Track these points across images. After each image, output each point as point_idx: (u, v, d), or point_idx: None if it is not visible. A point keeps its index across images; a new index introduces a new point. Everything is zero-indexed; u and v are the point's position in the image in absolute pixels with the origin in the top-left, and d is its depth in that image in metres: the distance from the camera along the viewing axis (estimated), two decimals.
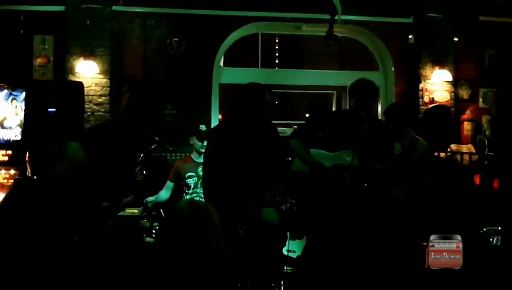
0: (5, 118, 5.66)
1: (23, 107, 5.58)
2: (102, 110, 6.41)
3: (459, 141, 7.05)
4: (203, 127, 5.33)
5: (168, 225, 1.76)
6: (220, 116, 7.18)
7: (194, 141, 5.25)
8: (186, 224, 1.71)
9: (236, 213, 3.90)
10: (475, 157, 6.20)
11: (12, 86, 5.75)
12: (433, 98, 7.22)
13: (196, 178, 5.17)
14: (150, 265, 1.74)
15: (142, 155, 3.73)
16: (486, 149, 6.81)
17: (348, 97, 4.40)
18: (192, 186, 5.18)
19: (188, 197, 5.15)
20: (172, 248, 1.68)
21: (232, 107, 4.16)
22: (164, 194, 5.24)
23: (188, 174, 5.21)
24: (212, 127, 6.30)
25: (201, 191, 4.69)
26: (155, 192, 5.22)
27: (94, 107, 6.43)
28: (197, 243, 1.68)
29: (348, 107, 4.50)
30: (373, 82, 4.33)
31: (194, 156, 5.29)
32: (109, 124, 3.27)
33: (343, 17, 6.48)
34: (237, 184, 3.95)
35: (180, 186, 5.27)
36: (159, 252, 1.72)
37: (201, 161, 4.57)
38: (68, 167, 3.15)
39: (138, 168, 3.69)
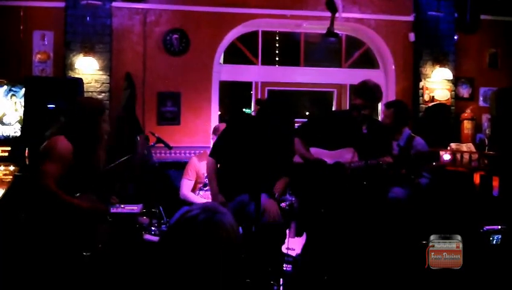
0: (4, 114, 5.64)
1: (23, 103, 5.57)
2: None
3: (459, 140, 7.04)
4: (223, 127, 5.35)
5: (177, 228, 1.70)
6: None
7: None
8: (198, 231, 1.66)
9: (237, 210, 3.92)
10: (475, 156, 6.18)
11: (12, 82, 5.73)
12: (433, 97, 7.21)
13: None
14: (152, 264, 1.71)
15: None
16: (486, 148, 6.80)
17: (352, 96, 4.40)
18: None
19: (201, 192, 5.19)
20: (179, 250, 1.64)
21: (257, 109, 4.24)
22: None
23: None
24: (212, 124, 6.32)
25: None
26: (156, 190, 5.22)
27: None
28: (209, 250, 1.64)
29: (348, 106, 4.51)
30: (378, 84, 4.33)
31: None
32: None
33: (344, 14, 6.47)
34: (241, 181, 3.99)
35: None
36: (162, 253, 1.68)
37: None
38: (58, 164, 3.11)
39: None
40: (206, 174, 5.20)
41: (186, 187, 5.29)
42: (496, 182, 5.57)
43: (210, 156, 4.33)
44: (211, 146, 4.71)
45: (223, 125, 5.39)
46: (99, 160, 3.46)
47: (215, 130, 5.46)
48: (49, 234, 3.02)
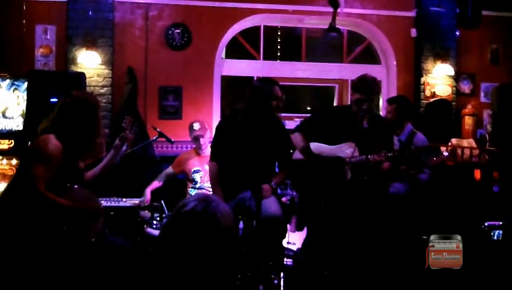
0: (6, 108, 5.66)
1: (25, 97, 5.58)
2: (104, 100, 6.40)
3: (459, 136, 7.06)
4: (196, 126, 5.30)
5: (178, 221, 1.72)
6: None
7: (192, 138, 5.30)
8: (198, 222, 1.67)
9: (238, 204, 3.94)
10: (476, 151, 6.19)
11: (15, 75, 5.75)
12: (434, 92, 7.22)
13: (203, 173, 5.17)
14: (153, 257, 1.73)
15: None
16: (487, 144, 6.82)
17: (350, 91, 4.41)
18: (199, 181, 5.17)
19: (193, 191, 5.13)
20: (183, 242, 1.66)
21: (244, 100, 4.20)
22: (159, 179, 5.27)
23: (195, 168, 5.21)
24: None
25: (209, 186, 4.71)
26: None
27: None
28: (208, 242, 1.66)
29: (349, 102, 4.52)
30: (375, 78, 4.33)
31: (196, 150, 5.31)
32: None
33: (346, 10, 6.47)
34: (240, 175, 4.00)
35: (184, 180, 5.30)
36: (165, 246, 1.69)
37: (205, 155, 4.61)
38: (47, 165, 3.06)
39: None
40: (193, 170, 5.20)
41: (164, 172, 5.35)
42: (496, 178, 5.59)
43: (211, 161, 4.21)
44: (210, 147, 4.61)
45: (198, 124, 5.37)
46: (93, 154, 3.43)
47: (191, 129, 5.36)
48: (38, 231, 3.00)
